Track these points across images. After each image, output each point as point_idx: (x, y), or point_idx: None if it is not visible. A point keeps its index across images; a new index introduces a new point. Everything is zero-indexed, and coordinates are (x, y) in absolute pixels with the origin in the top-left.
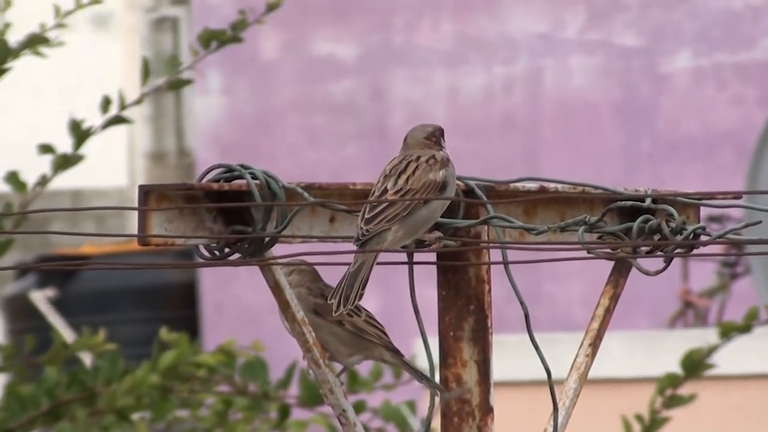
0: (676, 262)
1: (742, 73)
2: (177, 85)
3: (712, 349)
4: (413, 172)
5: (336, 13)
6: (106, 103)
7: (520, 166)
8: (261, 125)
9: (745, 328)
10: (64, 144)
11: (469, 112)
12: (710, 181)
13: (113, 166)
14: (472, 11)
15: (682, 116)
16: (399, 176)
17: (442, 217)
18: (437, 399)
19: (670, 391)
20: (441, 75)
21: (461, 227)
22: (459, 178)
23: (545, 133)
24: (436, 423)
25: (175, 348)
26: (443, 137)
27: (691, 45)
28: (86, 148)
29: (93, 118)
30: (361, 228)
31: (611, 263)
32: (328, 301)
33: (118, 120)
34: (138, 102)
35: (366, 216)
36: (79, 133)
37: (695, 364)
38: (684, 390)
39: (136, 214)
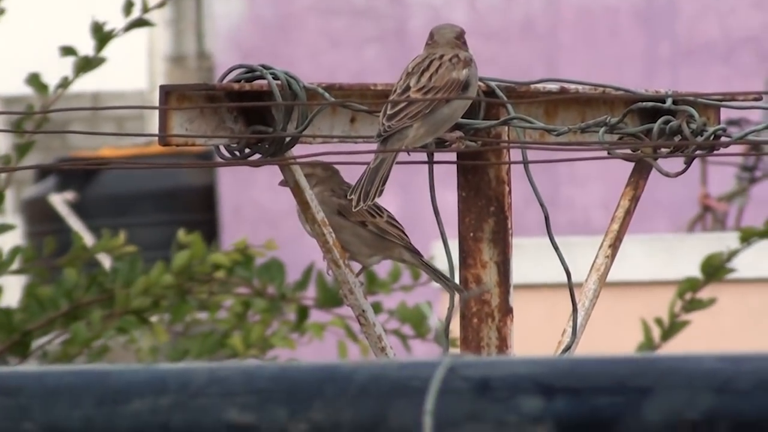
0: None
1: None
2: None
3: (732, 254)
4: (436, 71)
5: None
6: (128, 6)
7: (539, 71)
8: (281, 29)
9: (766, 233)
10: (86, 46)
11: (488, 16)
12: (730, 85)
13: (133, 69)
14: None
15: (701, 20)
16: (422, 74)
17: (462, 117)
18: (457, 299)
19: (689, 295)
20: None
21: (482, 128)
22: (480, 79)
23: (564, 38)
24: (455, 324)
25: (190, 249)
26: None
27: None
28: (107, 51)
29: (115, 21)
30: (383, 124)
31: (631, 165)
32: (348, 197)
33: (140, 23)
34: (160, 5)
35: (388, 112)
36: (101, 36)
37: (715, 269)
38: (703, 294)
39: (156, 117)
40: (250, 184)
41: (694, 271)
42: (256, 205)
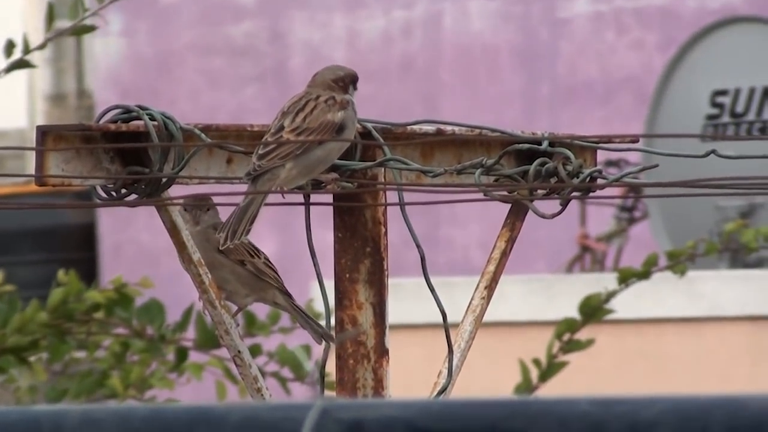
0: (574, 206)
1: (641, 18)
2: (81, 31)
3: (610, 295)
4: (311, 111)
5: None
6: (9, 47)
7: (419, 111)
8: (161, 67)
9: (644, 274)
10: None
11: (368, 56)
12: (609, 126)
13: (13, 108)
14: None
15: (581, 61)
16: (297, 114)
17: (339, 158)
18: (333, 342)
19: (568, 336)
20: (340, 18)
21: (358, 169)
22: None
23: (444, 77)
24: (332, 366)
25: (66, 287)
26: (354, 85)
27: None
28: None
29: None
30: (254, 163)
31: (508, 206)
32: (216, 235)
33: (21, 64)
34: (41, 47)
35: (259, 152)
36: None
37: (593, 309)
38: (581, 334)
39: (34, 155)
40: (129, 223)
41: (573, 312)
42: (135, 244)
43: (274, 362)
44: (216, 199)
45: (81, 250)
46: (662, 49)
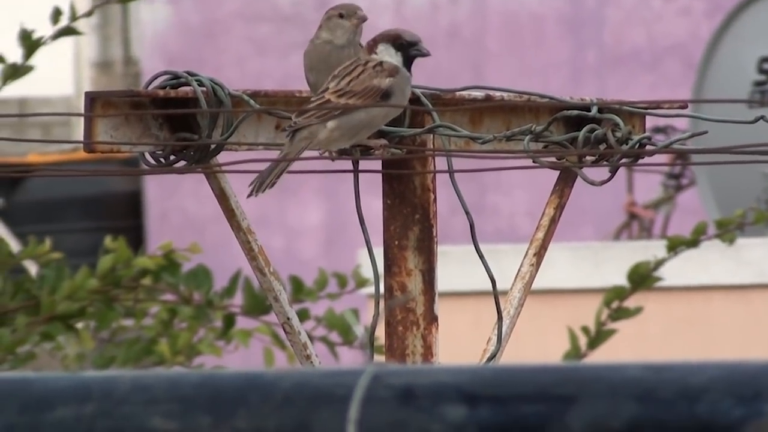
0: (622, 173)
1: None
2: None
3: (659, 263)
4: (358, 75)
5: None
6: (56, 14)
7: (466, 79)
8: (207, 35)
9: (693, 242)
10: (14, 54)
11: (414, 23)
12: (657, 93)
13: (60, 75)
14: None
15: (628, 28)
16: (343, 77)
17: (387, 125)
18: (381, 306)
19: (616, 304)
20: None
21: (407, 136)
22: None
23: (491, 45)
24: (381, 332)
25: (115, 253)
26: (406, 49)
27: None
28: (34, 59)
29: (42, 27)
30: (292, 119)
31: (556, 173)
32: (248, 186)
33: (68, 31)
34: (88, 14)
35: (300, 109)
36: (30, 44)
37: (642, 277)
38: (630, 302)
39: (82, 123)
40: (176, 191)
41: (621, 280)
42: (182, 212)
43: (323, 327)
44: (265, 165)
45: (128, 217)
46: (709, 16)
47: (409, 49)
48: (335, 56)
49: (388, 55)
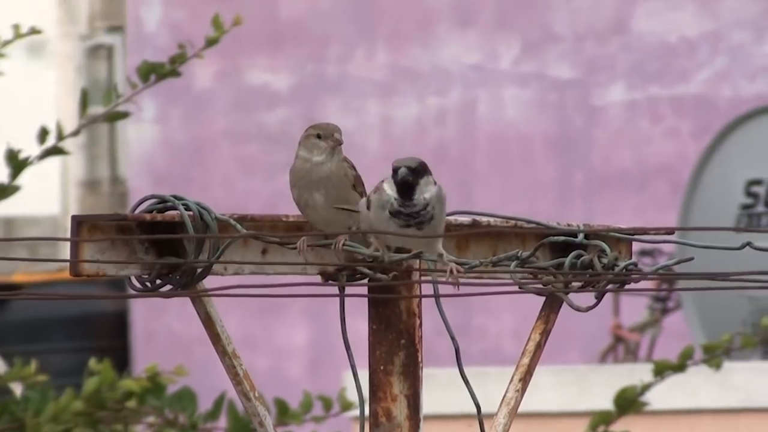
0: (608, 297)
1: (676, 107)
2: (114, 117)
3: (645, 387)
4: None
5: (270, 43)
6: (43, 134)
7: (453, 199)
8: (194, 154)
9: (680, 367)
10: (0, 173)
11: (401, 143)
12: (644, 214)
13: (46, 194)
14: (405, 42)
15: (615, 149)
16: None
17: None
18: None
19: (602, 428)
20: (374, 105)
21: (393, 260)
22: None
23: (478, 166)
24: None
25: (100, 375)
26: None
27: (625, 77)
28: (20, 178)
29: (29, 146)
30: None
31: (542, 298)
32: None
33: (55, 151)
34: (75, 133)
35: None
36: (16, 163)
37: (629, 402)
38: (616, 427)
39: (68, 243)
40: (162, 311)
41: (606, 403)
42: (168, 332)
43: None
44: (251, 291)
45: (114, 337)
46: (697, 138)
47: (394, 176)
48: (315, 173)
49: (388, 183)
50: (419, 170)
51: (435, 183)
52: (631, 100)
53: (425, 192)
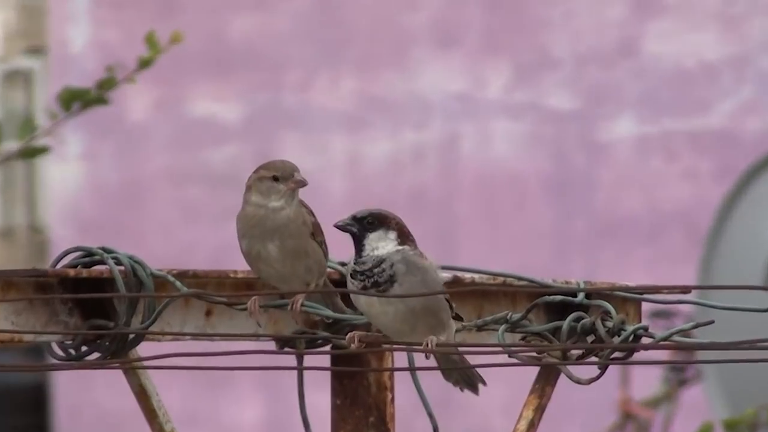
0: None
1: (694, 143)
2: (32, 153)
3: None
4: None
5: (217, 68)
6: None
7: (432, 251)
8: (127, 198)
9: None
10: None
11: (371, 185)
12: (656, 269)
13: None
14: (376, 66)
15: (623, 192)
16: None
17: (337, 312)
18: None
19: None
20: (340, 141)
21: (360, 324)
22: None
23: (461, 211)
24: None
25: None
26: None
27: (634, 109)
28: None
29: None
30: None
31: (537, 369)
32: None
33: None
34: None
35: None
36: None
37: None
38: None
39: None
40: (88, 384)
41: None
42: (95, 407)
43: None
44: (193, 361)
45: (31, 414)
46: (718, 180)
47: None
48: (271, 220)
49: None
50: (369, 222)
51: (402, 243)
52: (642, 135)
53: (377, 249)
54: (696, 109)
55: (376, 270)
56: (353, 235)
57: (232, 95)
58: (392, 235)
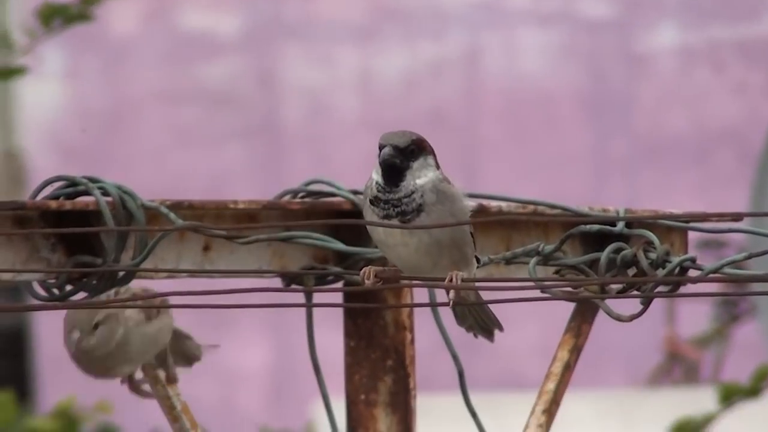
0: (658, 301)
1: (743, 53)
2: (7, 74)
3: (708, 419)
4: None
5: None
6: None
7: (454, 175)
8: (114, 121)
9: (753, 391)
10: None
11: (384, 104)
12: (705, 195)
13: None
14: None
15: (666, 110)
16: None
17: (351, 244)
18: None
19: None
20: (349, 55)
21: (375, 258)
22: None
23: (486, 133)
24: None
25: None
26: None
27: (677, 16)
28: None
29: None
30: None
31: (572, 305)
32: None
33: None
34: None
35: None
36: None
37: None
38: None
39: None
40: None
41: None
42: None
43: None
44: (191, 300)
45: (9, 361)
46: None
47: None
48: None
49: (375, 169)
50: (411, 150)
51: (437, 167)
52: (686, 45)
53: (421, 177)
54: (745, 15)
55: (405, 199)
56: (396, 167)
57: (229, 5)
58: (431, 160)
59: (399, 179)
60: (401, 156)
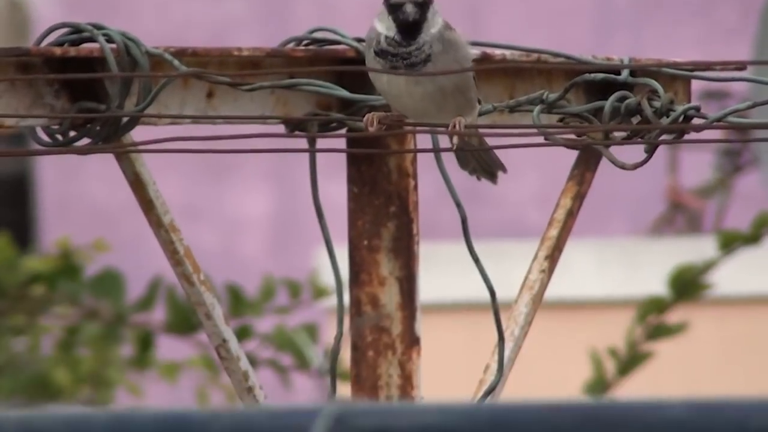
0: (663, 150)
1: None
2: None
3: (709, 265)
4: None
5: None
6: None
7: (455, 24)
8: None
9: (753, 238)
10: None
11: None
12: (708, 45)
13: None
14: None
15: None
16: None
17: (355, 92)
18: (346, 325)
19: (654, 318)
20: None
21: (378, 105)
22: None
23: None
24: (346, 356)
25: None
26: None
27: None
28: None
29: None
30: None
31: (575, 153)
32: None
33: None
34: None
35: None
36: None
37: (687, 284)
38: (672, 316)
39: None
40: (77, 174)
41: (660, 288)
42: (85, 200)
43: (270, 347)
44: (194, 144)
45: (12, 207)
46: None
47: (395, 12)
48: None
49: (379, 20)
50: (425, 1)
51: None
52: None
53: (433, 27)
54: None
55: (416, 51)
56: (417, 23)
57: None
58: (436, 6)
59: (417, 33)
60: (421, 10)
